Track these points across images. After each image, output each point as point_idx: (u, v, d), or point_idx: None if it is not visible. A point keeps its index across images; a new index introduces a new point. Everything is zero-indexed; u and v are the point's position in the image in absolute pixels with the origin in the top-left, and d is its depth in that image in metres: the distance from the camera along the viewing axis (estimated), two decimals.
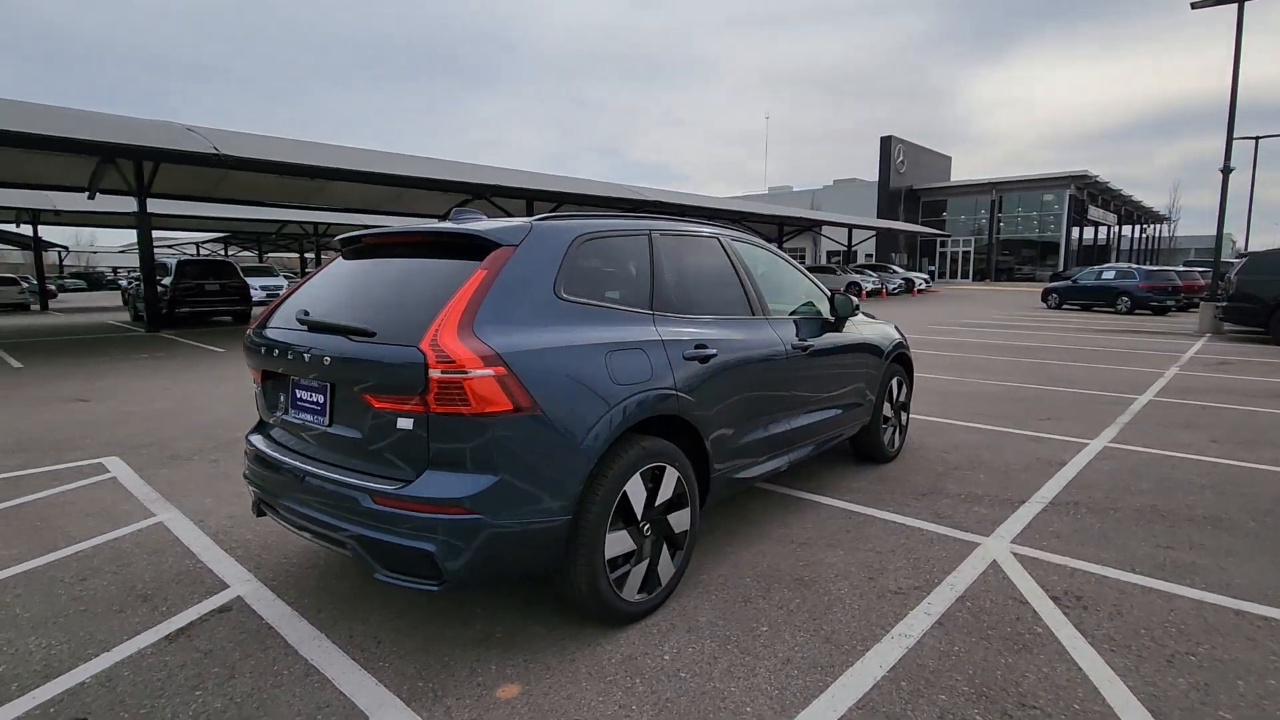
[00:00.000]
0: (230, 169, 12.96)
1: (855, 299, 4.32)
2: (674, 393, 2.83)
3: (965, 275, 49.17)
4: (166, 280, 16.58)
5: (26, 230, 28.19)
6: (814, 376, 3.92)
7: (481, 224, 2.67)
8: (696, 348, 3.02)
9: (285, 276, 32.85)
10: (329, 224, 32.88)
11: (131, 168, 14.60)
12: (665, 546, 2.84)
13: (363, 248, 2.99)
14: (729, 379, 3.21)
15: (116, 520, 3.89)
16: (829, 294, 4.21)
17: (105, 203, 20.71)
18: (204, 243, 46.39)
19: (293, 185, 21.04)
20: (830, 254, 47.17)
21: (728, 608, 2.87)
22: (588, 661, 2.48)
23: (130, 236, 55.47)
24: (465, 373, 2.19)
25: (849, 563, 3.30)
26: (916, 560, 3.32)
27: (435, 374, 2.19)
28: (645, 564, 2.74)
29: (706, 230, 3.60)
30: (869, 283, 30.05)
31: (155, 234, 26.42)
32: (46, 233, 32.06)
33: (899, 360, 5.09)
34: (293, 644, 2.61)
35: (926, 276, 35.55)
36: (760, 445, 3.48)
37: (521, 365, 2.30)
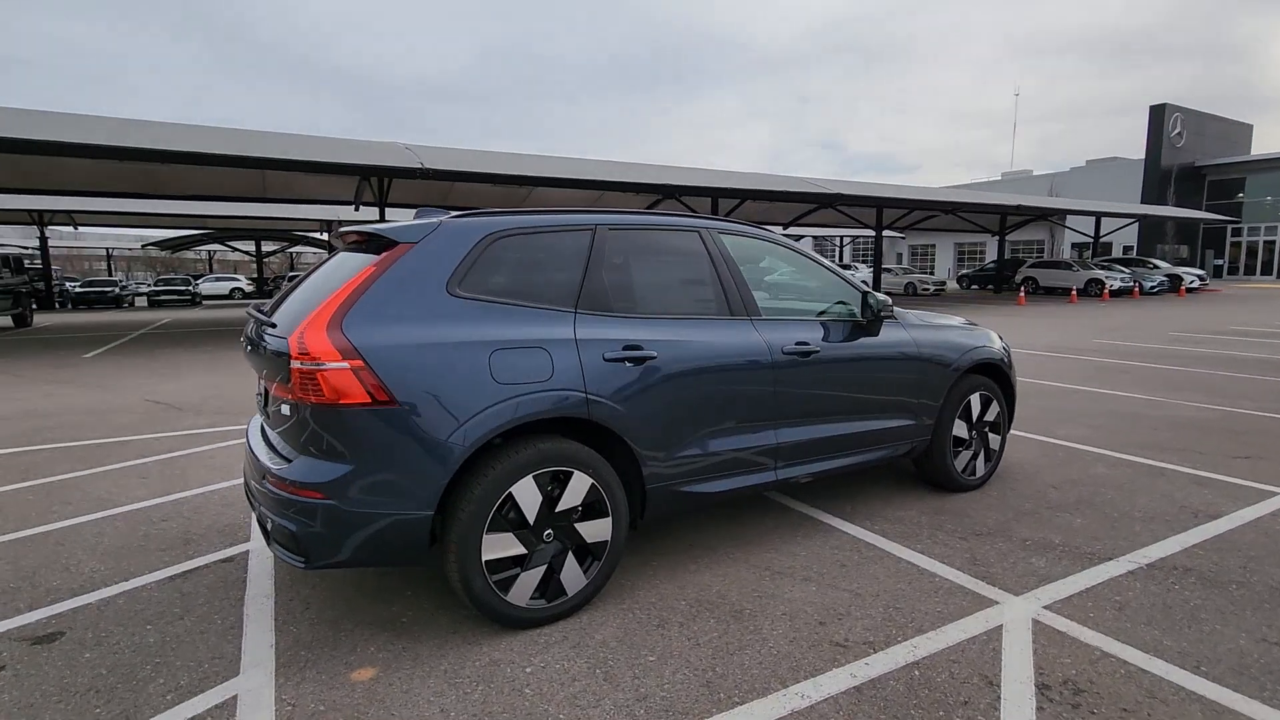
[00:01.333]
0: (433, 179, 14.77)
1: (887, 299, 3.72)
2: (584, 395, 2.69)
3: (1269, 271, 39.23)
4: None
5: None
6: (820, 385, 3.46)
7: (392, 224, 2.77)
8: (626, 349, 2.84)
9: None
10: None
11: (375, 183, 17.33)
12: (573, 555, 2.73)
13: (342, 243, 3.26)
14: (677, 384, 2.96)
15: (227, 474, 4.71)
16: (862, 293, 3.66)
17: (342, 213, 24.72)
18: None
19: (504, 193, 23.39)
20: (1076, 246, 40.61)
21: (635, 630, 2.67)
22: (453, 659, 2.48)
23: None
24: (321, 365, 2.31)
25: (811, 602, 2.87)
26: (897, 611, 2.79)
27: (295, 365, 2.34)
28: (542, 570, 2.65)
29: (684, 223, 3.35)
30: (1118, 280, 25.37)
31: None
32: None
33: (986, 373, 4.29)
34: (248, 597, 2.97)
35: (1201, 273, 29.01)
36: (731, 458, 3.17)
37: (381, 360, 2.36)
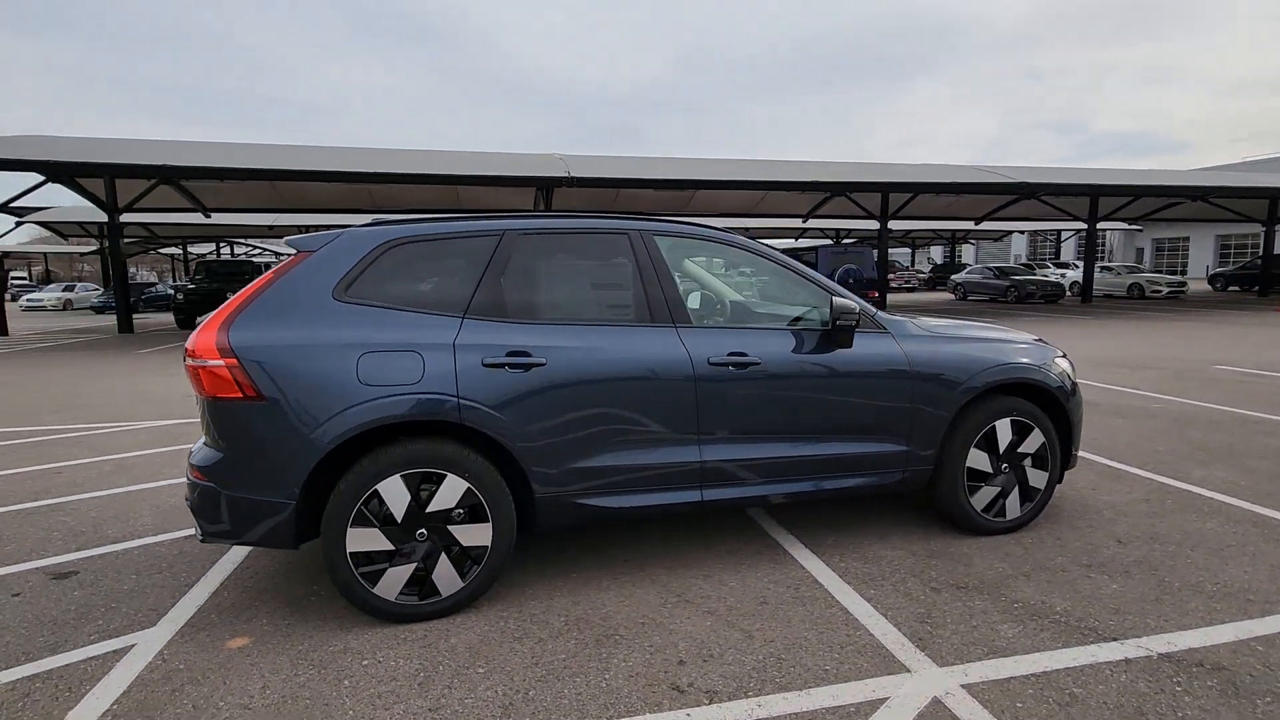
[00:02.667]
0: (578, 186, 15.52)
1: (859, 305, 3.22)
2: (455, 399, 2.71)
3: None
4: None
5: None
6: (764, 401, 3.12)
7: (306, 235, 3.00)
8: (510, 354, 2.81)
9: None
10: None
11: (542, 194, 18.65)
12: (448, 557, 2.76)
13: None
14: (571, 392, 2.86)
15: None
16: (830, 299, 3.23)
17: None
18: None
19: (668, 197, 23.84)
20: None
21: (491, 640, 2.63)
22: (314, 642, 2.64)
23: None
24: (203, 362, 2.59)
25: (692, 637, 2.62)
26: (778, 662, 2.44)
27: (187, 361, 2.65)
28: (412, 568, 2.73)
29: (610, 226, 3.21)
30: None
31: None
32: None
33: (1024, 395, 3.57)
34: (220, 563, 3.40)
35: None
36: (643, 474, 2.99)
37: (252, 359, 2.59)
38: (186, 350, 2.66)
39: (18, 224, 29.42)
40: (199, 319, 18.92)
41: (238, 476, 2.63)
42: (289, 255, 2.96)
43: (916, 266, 46.83)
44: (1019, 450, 3.53)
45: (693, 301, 3.78)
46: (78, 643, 2.65)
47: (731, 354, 3.09)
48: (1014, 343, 3.62)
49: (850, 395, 3.25)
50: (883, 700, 2.23)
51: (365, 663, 2.49)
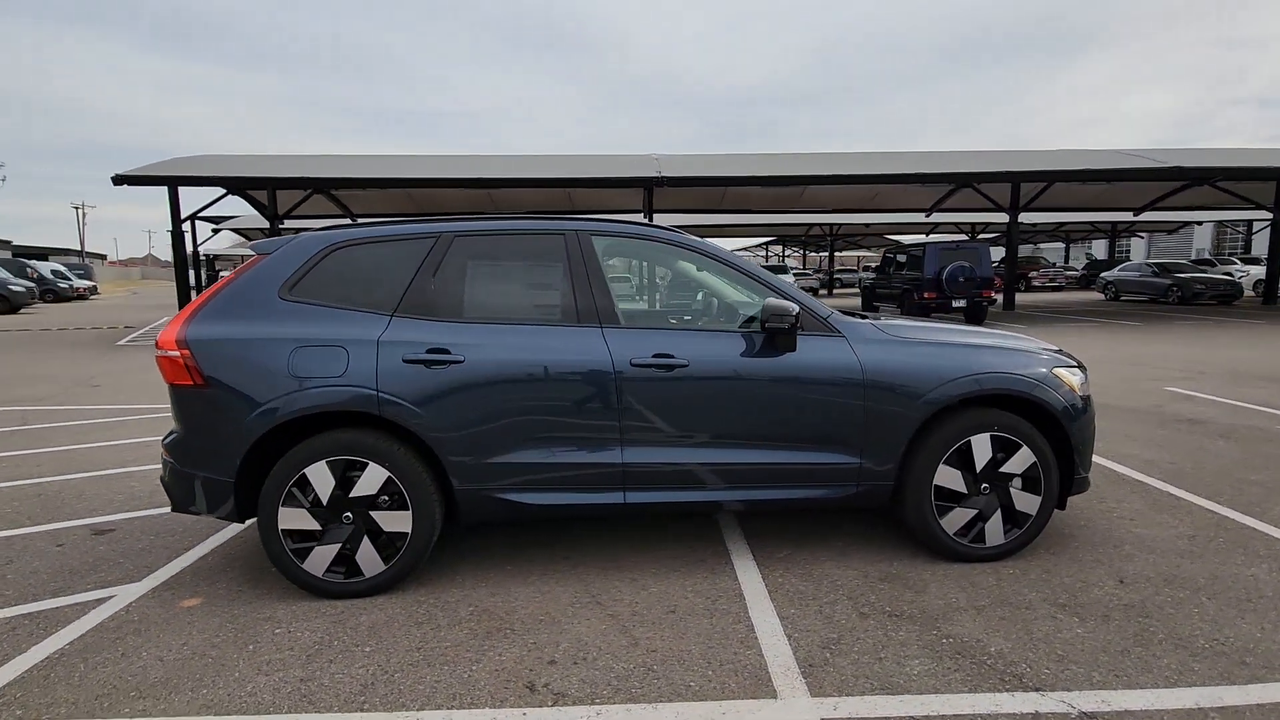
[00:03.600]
0: (669, 186, 15.52)
1: (796, 308, 3.00)
2: (374, 393, 2.88)
3: None
4: None
5: None
6: (692, 404, 3.03)
7: (265, 240, 3.27)
8: (430, 352, 2.93)
9: (796, 272, 36.24)
10: (810, 224, 34.64)
11: (645, 193, 18.87)
12: (370, 540, 2.94)
13: None
14: (488, 389, 2.94)
15: None
16: (765, 300, 3.05)
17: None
18: (751, 247, 54.72)
19: (775, 194, 23.27)
20: None
21: (387, 622, 2.76)
22: (245, 608, 2.90)
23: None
24: (164, 352, 2.94)
25: (579, 639, 2.61)
26: (646, 673, 2.38)
27: (156, 352, 3.01)
28: (337, 548, 2.93)
29: (548, 227, 3.23)
30: None
31: (723, 240, 33.39)
32: None
33: (1012, 408, 3.19)
34: (202, 535, 3.82)
35: None
36: (563, 473, 3.01)
37: (201, 351, 2.89)
38: (155, 342, 3.03)
39: (215, 231, 34.23)
40: None
41: (189, 455, 2.96)
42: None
43: (1070, 263, 42.23)
44: (1002, 470, 3.16)
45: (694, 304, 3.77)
46: (76, 590, 3.11)
47: (657, 355, 3.02)
48: (1002, 349, 3.24)
49: (792, 402, 3.07)
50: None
51: (277, 631, 2.72)
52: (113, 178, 15.42)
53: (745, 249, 55.04)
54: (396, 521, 2.95)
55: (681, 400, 3.04)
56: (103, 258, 73.11)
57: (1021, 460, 3.16)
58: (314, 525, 2.92)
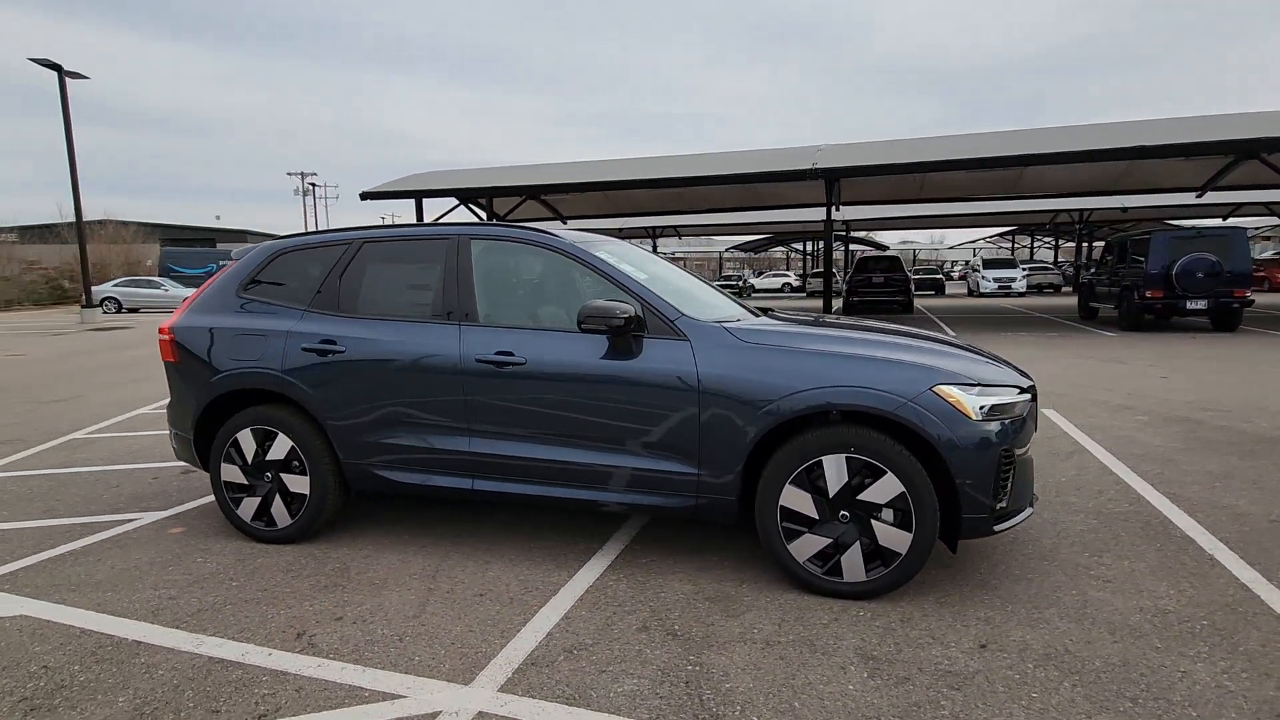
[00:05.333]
0: (819, 179, 14.55)
1: (611, 309, 2.88)
2: (279, 375, 3.43)
3: None
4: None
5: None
6: (527, 401, 3.12)
7: (242, 247, 3.97)
8: (322, 343, 3.40)
9: (1029, 266, 31.64)
10: (1055, 211, 29.48)
11: (826, 185, 18.04)
12: (280, 497, 3.51)
13: None
14: (359, 377, 3.34)
15: None
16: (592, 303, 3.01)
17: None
18: (990, 237, 48.39)
19: (981, 179, 20.60)
20: None
21: (264, 563, 3.29)
22: (197, 541, 3.64)
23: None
24: (161, 336, 3.79)
25: (379, 607, 2.89)
26: (403, 645, 2.59)
27: (159, 336, 3.88)
28: (258, 501, 3.55)
29: (439, 232, 3.48)
30: None
31: (945, 231, 30.51)
32: None
33: (881, 427, 2.77)
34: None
35: None
36: (422, 456, 3.30)
37: (180, 336, 3.68)
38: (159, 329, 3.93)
39: None
40: None
41: (171, 416, 3.80)
42: None
43: None
44: (861, 498, 2.76)
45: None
46: (121, 511, 4.15)
47: (498, 353, 3.16)
48: (873, 360, 2.81)
49: (627, 405, 3.01)
50: (399, 698, 2.26)
51: (198, 560, 3.40)
52: (360, 194, 18.87)
53: (972, 241, 49.06)
54: (299, 484, 3.49)
55: (519, 397, 3.15)
56: None
57: (886, 489, 2.72)
58: (244, 480, 3.58)
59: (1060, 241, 44.47)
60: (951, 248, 68.40)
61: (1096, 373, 8.47)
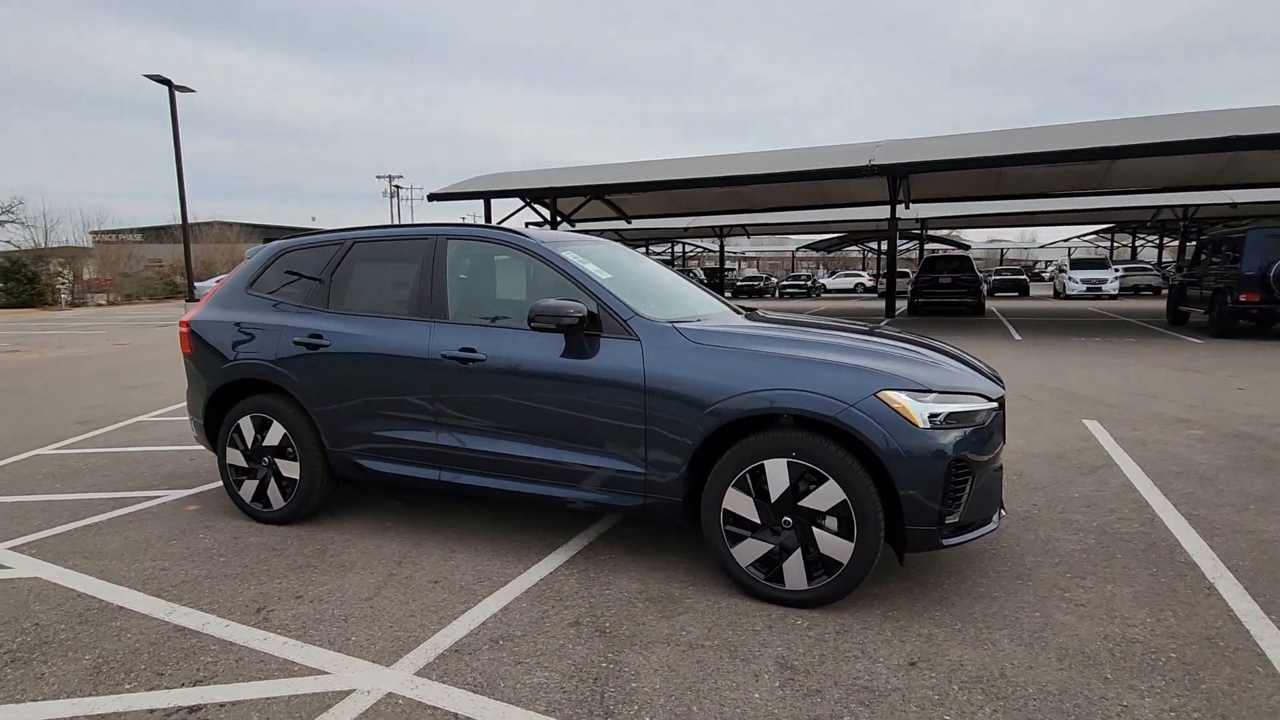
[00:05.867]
0: (875, 175, 13.99)
1: (561, 307, 2.90)
2: (271, 365, 3.65)
3: None
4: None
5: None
6: (488, 397, 3.20)
7: (255, 246, 4.22)
8: (310, 336, 3.60)
9: (1125, 266, 29.48)
10: (1155, 207, 27.19)
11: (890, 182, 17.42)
12: (275, 481, 3.75)
13: None
14: (341, 370, 3.52)
15: None
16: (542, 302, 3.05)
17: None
18: (1085, 236, 45.20)
19: (1063, 174, 19.35)
20: None
21: (254, 542, 3.51)
22: (206, 517, 3.93)
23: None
24: (181, 330, 4.11)
25: (340, 588, 3.05)
26: (347, 626, 2.73)
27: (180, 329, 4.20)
28: (256, 484, 3.79)
29: (421, 232, 3.60)
30: None
31: (1038, 230, 28.89)
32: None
33: (821, 431, 2.69)
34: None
35: None
36: (396, 446, 3.45)
37: (196, 330, 3.97)
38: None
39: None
40: None
41: (189, 404, 4.11)
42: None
43: None
44: (802, 504, 2.70)
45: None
46: (154, 489, 4.52)
47: (462, 349, 3.26)
48: (819, 362, 2.73)
49: (578, 403, 3.04)
50: (323, 674, 2.38)
51: (199, 535, 3.68)
52: (428, 196, 19.64)
53: (1066, 240, 45.95)
54: (290, 470, 3.71)
55: (480, 392, 3.24)
56: None
57: (827, 496, 2.65)
58: (245, 464, 3.83)
59: (1165, 240, 41.12)
60: (1043, 246, 64.42)
61: (1165, 382, 7.84)
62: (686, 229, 35.63)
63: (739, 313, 3.94)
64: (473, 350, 3.25)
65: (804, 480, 2.69)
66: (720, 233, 39.63)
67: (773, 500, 2.74)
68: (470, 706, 2.18)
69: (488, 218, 23.27)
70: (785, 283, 38.34)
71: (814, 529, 2.69)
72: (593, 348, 3.05)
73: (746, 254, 66.32)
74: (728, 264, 45.52)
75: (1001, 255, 65.70)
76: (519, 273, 3.52)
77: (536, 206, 24.77)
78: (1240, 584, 2.91)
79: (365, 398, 3.50)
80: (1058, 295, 28.64)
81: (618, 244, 4.27)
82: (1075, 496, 4.05)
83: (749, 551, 2.80)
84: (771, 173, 15.51)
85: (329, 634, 2.64)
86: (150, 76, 22.98)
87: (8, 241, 36.52)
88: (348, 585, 3.07)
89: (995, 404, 2.82)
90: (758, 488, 2.76)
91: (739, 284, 38.83)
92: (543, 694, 2.24)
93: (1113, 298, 25.91)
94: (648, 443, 2.93)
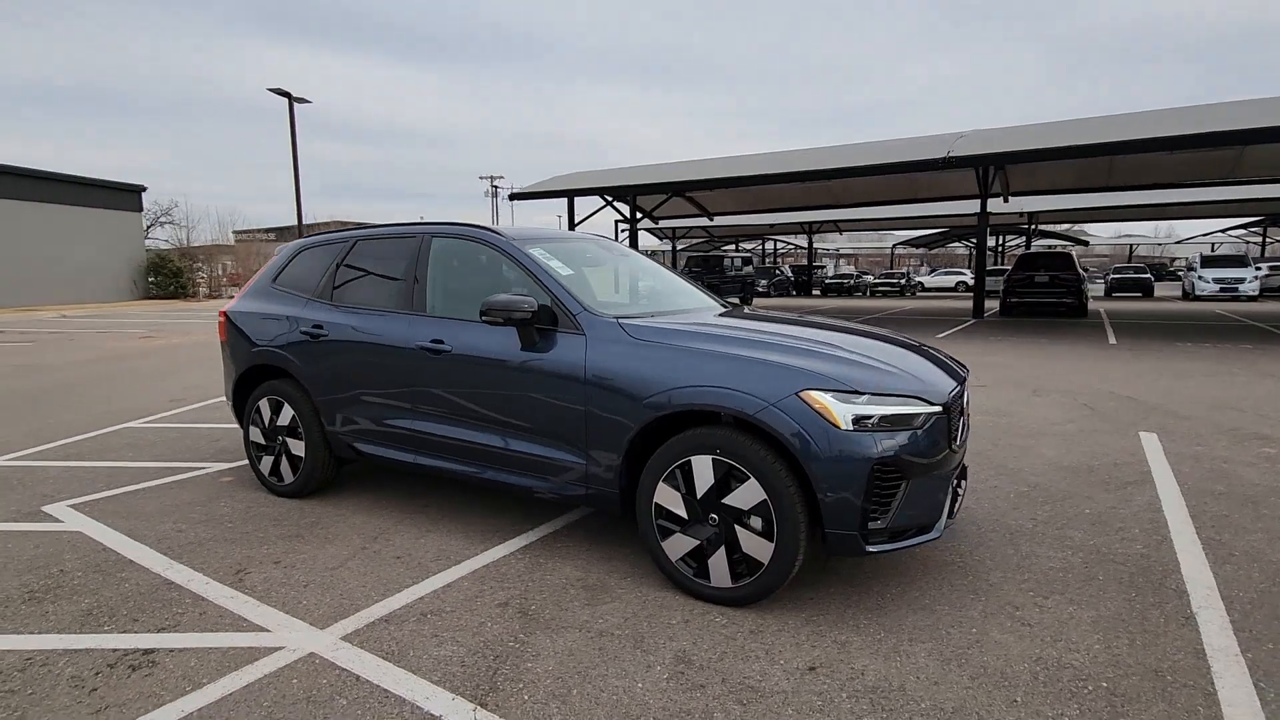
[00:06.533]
0: (954, 167, 13.12)
1: (513, 302, 3.00)
2: (281, 352, 4.01)
3: None
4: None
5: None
6: (451, 386, 3.38)
7: (283, 245, 4.60)
8: (313, 327, 3.91)
9: (1266, 267, 26.29)
10: None
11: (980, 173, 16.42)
12: (286, 459, 4.10)
13: None
14: (338, 359, 3.81)
15: None
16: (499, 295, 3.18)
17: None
18: (1231, 229, 40.40)
19: (1190, 161, 17.47)
20: None
21: (270, 515, 3.86)
22: (236, 488, 4.35)
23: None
24: (219, 319, 4.55)
25: (313, 556, 3.32)
26: (308, 591, 2.99)
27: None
28: (272, 459, 4.17)
29: (413, 231, 3.82)
30: None
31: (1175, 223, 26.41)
32: None
33: (750, 431, 2.68)
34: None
35: None
36: (383, 431, 3.69)
37: (230, 319, 4.40)
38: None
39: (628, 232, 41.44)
40: None
41: (225, 385, 4.56)
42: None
43: None
44: (726, 502, 2.69)
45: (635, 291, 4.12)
46: (204, 460, 5.04)
47: (432, 340, 3.45)
48: (742, 359, 2.71)
49: (530, 393, 3.16)
50: (264, 632, 2.63)
51: (221, 503, 4.09)
52: (509, 195, 20.38)
53: (1207, 234, 41.19)
54: (298, 448, 4.05)
55: (446, 381, 3.42)
56: None
57: (749, 495, 2.63)
58: (263, 441, 4.23)
59: None
60: (1179, 242, 58.32)
61: (1268, 395, 7.00)
62: (772, 226, 34.99)
63: (725, 309, 3.94)
64: (441, 342, 3.44)
65: (730, 478, 2.67)
66: (809, 229, 38.63)
67: (699, 497, 2.74)
68: (374, 671, 2.35)
69: (571, 216, 23.84)
70: (878, 281, 36.85)
71: (737, 527, 2.67)
72: (546, 341, 3.15)
73: (841, 250, 64.19)
74: (822, 261, 44.23)
75: (1130, 252, 60.09)
76: (496, 269, 3.67)
77: (619, 205, 25.05)
78: (1229, 616, 2.63)
79: (356, 384, 3.77)
80: (1186, 296, 25.97)
81: (611, 242, 4.36)
82: (1085, 513, 3.75)
83: (678, 546, 2.82)
84: (839, 167, 15.00)
85: (286, 597, 2.90)
86: (272, 90, 25.15)
87: (165, 241, 41.25)
88: (322, 555, 3.33)
89: (939, 409, 2.68)
90: (686, 484, 2.77)
91: (827, 282, 37.72)
92: (442, 666, 2.37)
93: (1253, 299, 23.20)
94: (588, 435, 3.00)
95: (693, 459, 2.73)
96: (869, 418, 2.54)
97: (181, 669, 2.39)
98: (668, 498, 2.81)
